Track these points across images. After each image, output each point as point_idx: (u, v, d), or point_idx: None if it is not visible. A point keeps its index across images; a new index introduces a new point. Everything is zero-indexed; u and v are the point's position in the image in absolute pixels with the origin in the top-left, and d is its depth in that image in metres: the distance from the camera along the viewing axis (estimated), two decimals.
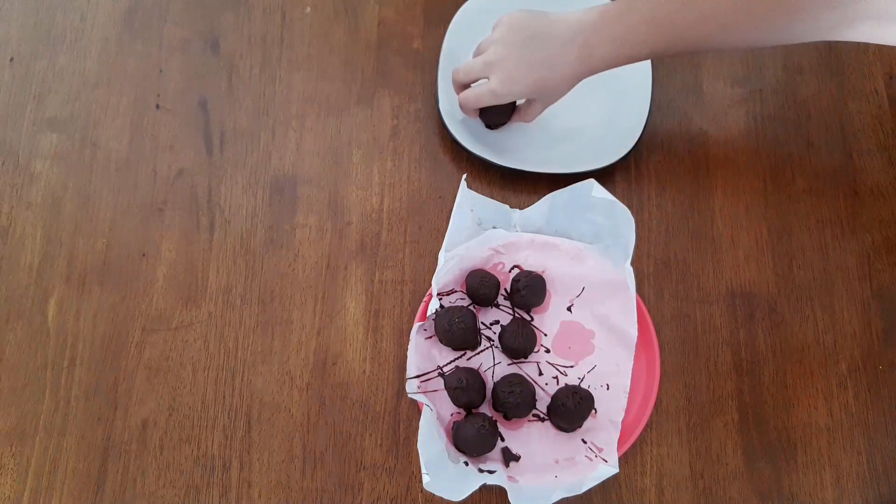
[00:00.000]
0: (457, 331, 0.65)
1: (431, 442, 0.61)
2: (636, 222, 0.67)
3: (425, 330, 0.67)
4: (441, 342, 0.67)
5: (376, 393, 0.69)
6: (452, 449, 0.63)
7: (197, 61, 0.81)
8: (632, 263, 0.67)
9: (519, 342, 0.66)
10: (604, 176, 0.74)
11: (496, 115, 0.75)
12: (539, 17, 0.67)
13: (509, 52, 0.66)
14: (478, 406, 0.66)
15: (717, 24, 0.62)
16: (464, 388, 0.64)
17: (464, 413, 0.66)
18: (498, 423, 0.65)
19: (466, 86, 0.73)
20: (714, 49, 0.66)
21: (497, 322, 0.69)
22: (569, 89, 0.70)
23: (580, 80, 0.67)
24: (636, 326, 0.67)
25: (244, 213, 0.75)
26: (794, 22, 0.60)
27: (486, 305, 0.70)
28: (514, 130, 0.78)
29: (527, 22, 0.67)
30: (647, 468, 0.68)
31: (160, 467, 0.67)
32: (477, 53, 0.71)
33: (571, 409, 0.64)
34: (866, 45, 0.83)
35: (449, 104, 0.77)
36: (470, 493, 0.59)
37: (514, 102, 0.74)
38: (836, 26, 0.58)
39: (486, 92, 0.68)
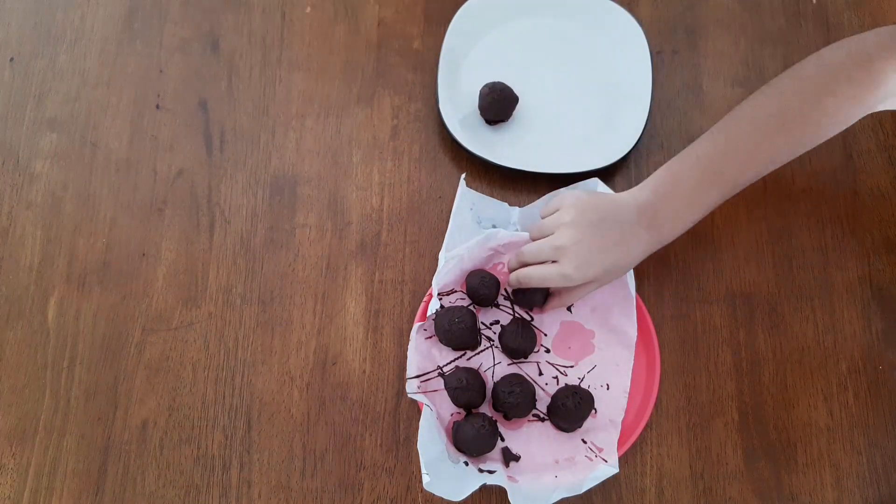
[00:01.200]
0: (457, 331, 0.65)
1: (431, 442, 0.61)
2: None
3: (425, 330, 0.67)
4: (441, 342, 0.67)
5: (376, 393, 0.69)
6: (452, 449, 0.63)
7: (197, 61, 0.81)
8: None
9: (519, 342, 0.66)
10: (604, 176, 0.74)
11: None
12: (602, 199, 0.66)
13: (582, 235, 0.63)
14: (478, 406, 0.66)
15: (764, 158, 0.65)
16: (464, 388, 0.64)
17: (464, 413, 0.66)
18: (498, 423, 0.65)
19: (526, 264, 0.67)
20: (768, 171, 0.68)
21: (497, 322, 0.69)
22: (632, 267, 0.67)
23: (648, 255, 0.66)
24: (636, 326, 0.68)
25: (244, 213, 0.75)
26: (829, 125, 0.65)
27: (486, 305, 0.70)
28: (514, 130, 0.78)
29: (593, 204, 0.64)
30: (647, 468, 0.68)
31: (160, 467, 0.67)
32: (537, 232, 0.66)
33: (571, 409, 0.64)
34: None
35: (449, 104, 0.77)
36: (470, 493, 0.59)
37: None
38: (866, 111, 0.64)
39: (558, 275, 0.63)
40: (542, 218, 0.67)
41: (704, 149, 0.65)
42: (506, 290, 0.70)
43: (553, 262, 0.63)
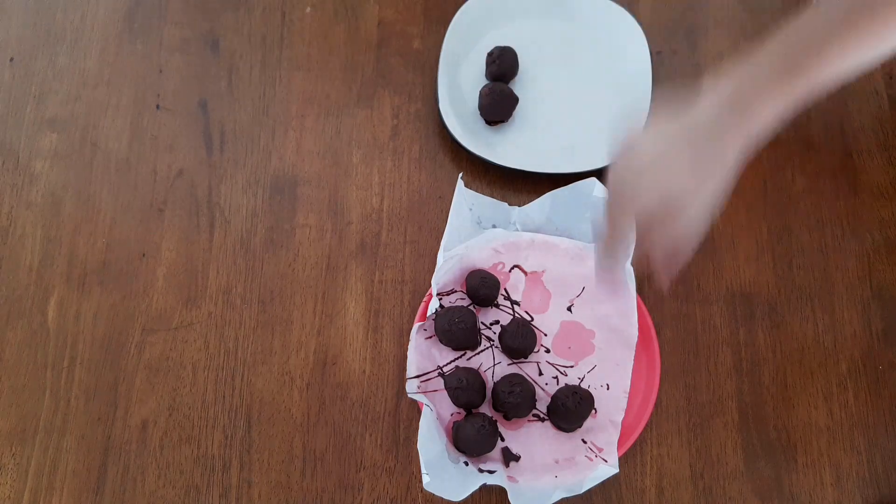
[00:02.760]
0: (457, 331, 0.65)
1: (431, 442, 0.61)
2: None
3: (425, 330, 0.67)
4: (441, 342, 0.67)
5: (376, 393, 0.69)
6: (452, 449, 0.63)
7: (197, 61, 0.81)
8: (632, 263, 0.67)
9: (519, 342, 0.66)
10: (604, 176, 0.74)
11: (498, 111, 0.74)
12: (680, 129, 0.54)
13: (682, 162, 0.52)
14: (478, 406, 0.66)
15: (839, 47, 0.52)
16: (464, 388, 0.64)
17: (464, 413, 0.66)
18: (498, 423, 0.65)
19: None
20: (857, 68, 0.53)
21: (497, 322, 0.69)
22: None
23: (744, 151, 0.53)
24: (636, 326, 0.67)
25: (244, 213, 0.75)
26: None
27: (486, 305, 0.70)
28: (514, 130, 0.78)
29: (679, 146, 0.53)
30: (647, 468, 0.68)
31: (160, 467, 0.67)
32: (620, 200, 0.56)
33: (571, 409, 0.64)
34: None
35: (449, 104, 0.77)
36: (470, 493, 0.59)
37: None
38: None
39: (686, 228, 0.53)
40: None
41: (789, 36, 0.53)
42: (506, 289, 0.70)
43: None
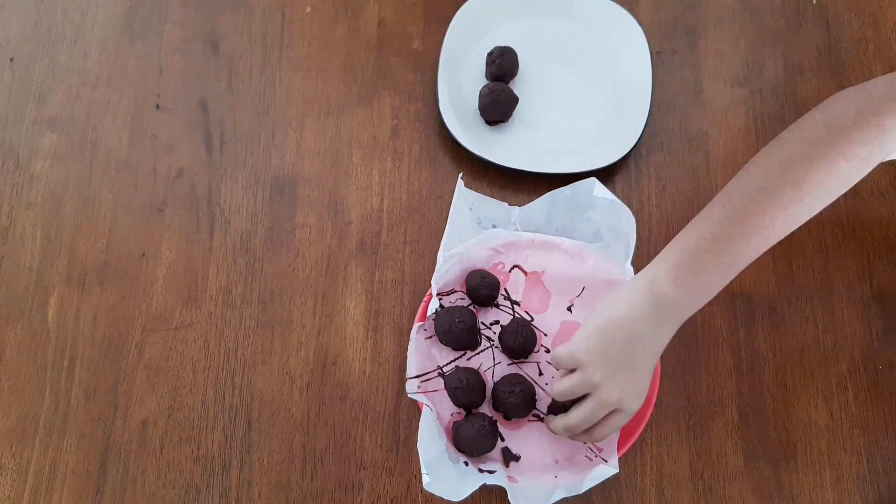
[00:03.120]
0: (457, 331, 0.65)
1: (431, 442, 0.61)
2: (636, 222, 0.67)
3: (425, 330, 0.67)
4: (441, 342, 0.67)
5: (376, 393, 0.69)
6: (452, 449, 0.63)
7: (197, 61, 0.81)
8: (632, 263, 0.67)
9: (519, 342, 0.66)
10: (604, 176, 0.74)
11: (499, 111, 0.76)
12: (613, 325, 0.59)
13: (622, 379, 0.58)
14: (478, 406, 0.66)
15: (779, 229, 0.58)
16: (464, 388, 0.64)
17: (464, 413, 0.66)
18: (498, 423, 0.65)
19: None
20: (782, 237, 0.60)
21: (497, 322, 0.69)
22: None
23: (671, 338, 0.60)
24: None
25: (244, 213, 0.75)
26: (840, 187, 0.58)
27: (486, 305, 0.70)
28: (514, 130, 0.78)
29: (609, 342, 0.59)
30: (647, 468, 0.68)
31: (160, 467, 0.67)
32: (567, 393, 0.60)
33: (570, 407, 0.63)
34: (866, 45, 0.83)
35: (449, 104, 0.77)
36: (470, 493, 0.59)
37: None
38: (874, 165, 0.58)
39: (624, 420, 0.59)
40: (557, 388, 0.60)
41: (716, 215, 0.59)
42: (506, 289, 0.70)
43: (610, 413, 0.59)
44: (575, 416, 0.60)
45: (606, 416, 0.60)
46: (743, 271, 0.74)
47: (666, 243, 0.75)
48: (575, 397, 0.60)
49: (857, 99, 0.58)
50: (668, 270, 0.59)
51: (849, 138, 0.56)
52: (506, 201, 0.72)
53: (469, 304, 0.69)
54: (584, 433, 0.61)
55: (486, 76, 0.80)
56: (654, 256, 0.69)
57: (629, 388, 0.59)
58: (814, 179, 0.57)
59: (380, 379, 0.70)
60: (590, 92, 0.80)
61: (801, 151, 0.58)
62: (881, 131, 0.56)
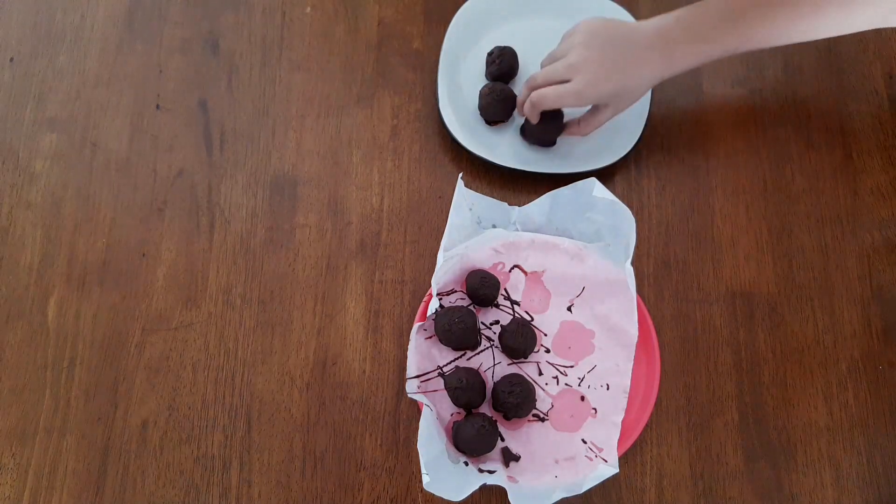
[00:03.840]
0: (457, 331, 0.65)
1: (431, 442, 0.61)
2: (636, 222, 0.67)
3: (425, 330, 0.67)
4: (441, 342, 0.67)
5: (376, 393, 0.69)
6: (452, 449, 0.63)
7: (197, 61, 0.81)
8: (632, 263, 0.67)
9: (519, 342, 0.66)
10: (604, 176, 0.74)
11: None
12: (616, 22, 0.69)
13: (592, 54, 0.66)
14: (478, 406, 0.66)
15: (784, 17, 0.65)
16: (464, 388, 0.64)
17: (464, 413, 0.66)
18: (498, 423, 0.65)
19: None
20: (783, 43, 0.68)
21: (497, 322, 0.69)
22: (645, 93, 0.71)
23: (658, 81, 0.68)
24: (636, 326, 0.67)
25: (244, 213, 0.75)
26: (857, 9, 0.63)
27: (486, 305, 0.70)
28: (514, 130, 0.78)
29: (605, 26, 0.68)
30: (647, 468, 0.68)
31: (160, 467, 0.67)
32: (550, 60, 0.70)
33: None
34: (866, 45, 0.83)
35: (449, 104, 0.77)
36: (470, 493, 0.59)
37: (563, 118, 0.74)
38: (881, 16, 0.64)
39: (571, 93, 0.67)
40: (557, 48, 0.70)
41: None
42: (505, 289, 0.70)
43: (566, 81, 0.66)
44: (540, 71, 0.69)
45: (592, 113, 0.69)
46: (743, 271, 0.74)
47: (666, 243, 0.75)
48: (555, 61, 0.69)
49: None
50: (674, 12, 0.67)
51: None
52: (506, 201, 0.72)
53: (469, 304, 0.69)
54: (574, 126, 0.71)
55: (486, 76, 0.80)
56: (655, 257, 0.69)
57: (593, 70, 0.66)
58: None
59: (380, 379, 0.70)
60: None
61: None
62: None
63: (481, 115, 0.78)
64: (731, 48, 0.67)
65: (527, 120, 0.76)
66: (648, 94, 0.78)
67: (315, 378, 0.70)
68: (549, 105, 0.69)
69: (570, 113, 0.75)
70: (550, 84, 0.68)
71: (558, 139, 0.77)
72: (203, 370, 0.70)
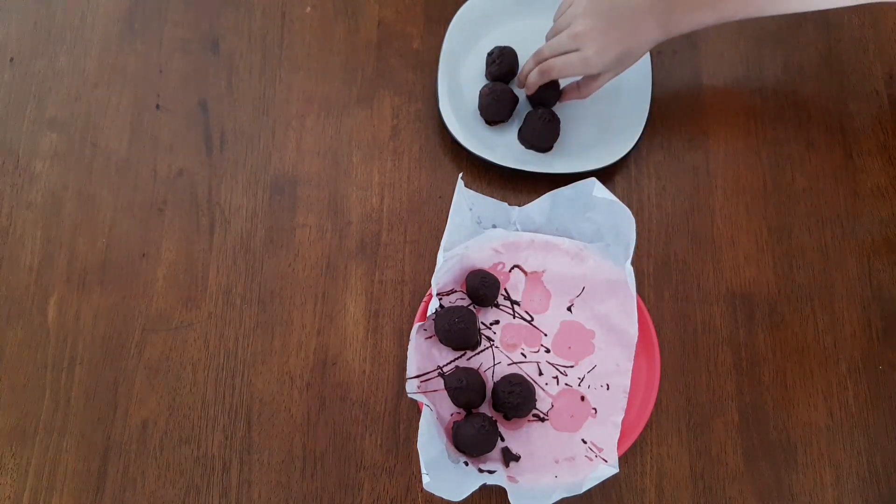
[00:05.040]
0: (457, 331, 0.65)
1: (431, 442, 0.61)
2: (636, 222, 0.67)
3: (425, 330, 0.67)
4: (441, 342, 0.67)
5: (376, 393, 0.69)
6: (452, 449, 0.63)
7: (197, 61, 0.81)
8: (632, 263, 0.67)
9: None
10: (604, 176, 0.74)
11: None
12: None
13: (596, 22, 0.68)
14: (478, 406, 0.66)
15: None
16: (464, 388, 0.64)
17: (464, 413, 0.66)
18: (498, 423, 0.65)
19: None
20: (779, 12, 0.70)
21: (497, 322, 0.69)
22: (641, 56, 0.72)
23: (656, 44, 0.70)
24: (636, 326, 0.67)
25: (244, 213, 0.75)
26: None
27: (486, 305, 0.70)
28: (514, 130, 0.78)
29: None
30: (647, 468, 0.68)
31: (160, 467, 0.67)
32: (553, 32, 0.72)
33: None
34: (866, 45, 0.83)
35: (449, 104, 0.77)
36: (470, 493, 0.59)
37: (559, 85, 0.76)
38: None
39: (579, 61, 0.69)
40: (556, 21, 0.72)
41: None
42: (505, 289, 0.70)
43: (573, 51, 0.68)
44: (545, 44, 0.71)
45: (592, 77, 0.71)
46: (743, 271, 0.74)
47: (666, 243, 0.75)
48: (558, 33, 0.70)
49: None
50: None
51: None
52: (506, 201, 0.72)
53: (469, 304, 0.69)
54: (572, 90, 0.74)
55: (486, 76, 0.80)
56: (655, 256, 0.69)
57: (599, 38, 0.67)
58: None
59: (380, 379, 0.70)
60: None
61: None
62: None
63: (481, 115, 0.78)
64: (728, 14, 0.69)
65: (524, 123, 0.76)
66: (648, 95, 0.78)
67: (315, 378, 0.70)
68: (557, 75, 0.71)
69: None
70: (557, 54, 0.70)
71: (555, 144, 0.77)
72: (203, 370, 0.70)
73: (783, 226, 0.76)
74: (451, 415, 0.66)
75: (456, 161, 0.78)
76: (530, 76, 0.73)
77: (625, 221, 0.67)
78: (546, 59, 0.71)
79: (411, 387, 0.64)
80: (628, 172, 0.78)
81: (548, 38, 0.73)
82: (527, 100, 0.78)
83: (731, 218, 0.76)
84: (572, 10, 0.70)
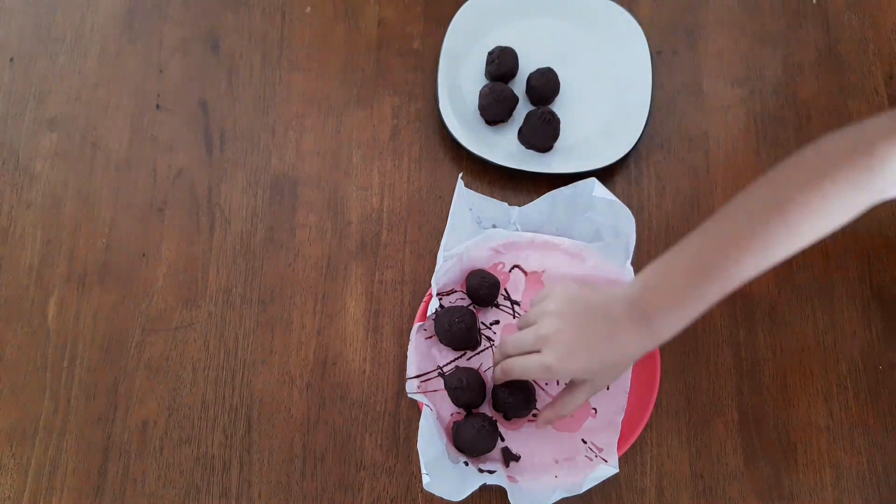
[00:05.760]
0: (457, 331, 0.65)
1: (431, 442, 0.61)
2: (636, 222, 0.67)
3: (425, 330, 0.67)
4: (441, 342, 0.67)
5: (376, 393, 0.69)
6: (452, 449, 0.63)
7: (197, 61, 0.81)
8: (632, 263, 0.67)
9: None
10: (604, 176, 0.74)
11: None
12: (593, 290, 0.61)
13: (565, 325, 0.58)
14: (478, 406, 0.66)
15: (759, 248, 0.57)
16: (464, 388, 0.64)
17: (464, 413, 0.66)
18: (498, 423, 0.65)
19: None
20: (770, 265, 0.59)
21: (497, 322, 0.69)
22: (629, 367, 0.65)
23: (644, 354, 0.59)
24: None
25: (244, 213, 0.75)
26: (830, 212, 0.57)
27: (486, 305, 0.70)
28: (514, 130, 0.78)
29: (581, 295, 0.60)
30: (647, 468, 0.68)
31: (160, 467, 0.67)
32: (523, 324, 0.62)
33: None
34: (866, 45, 0.83)
35: (449, 104, 0.77)
36: (470, 493, 0.59)
37: (533, 390, 0.67)
38: (871, 198, 0.58)
39: (538, 366, 0.58)
40: (530, 309, 0.62)
41: (697, 240, 0.59)
42: (506, 289, 0.70)
43: (536, 352, 0.58)
44: (510, 337, 0.61)
45: (569, 388, 0.61)
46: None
47: (666, 243, 0.75)
48: (528, 325, 0.60)
49: (848, 132, 0.58)
50: (641, 275, 0.59)
51: (835, 163, 0.56)
52: (506, 201, 0.72)
53: (469, 304, 0.69)
54: (550, 407, 0.62)
55: (486, 76, 0.80)
56: (655, 256, 0.69)
57: (565, 343, 0.58)
58: (798, 200, 0.56)
59: (380, 379, 0.70)
60: (589, 92, 0.80)
61: (787, 174, 0.58)
62: (870, 158, 0.56)
63: (481, 115, 0.78)
64: (717, 298, 0.58)
65: (524, 123, 0.76)
66: (648, 95, 0.78)
67: (315, 378, 0.70)
68: (517, 377, 0.61)
69: None
70: (520, 353, 0.60)
71: (555, 144, 0.77)
72: (203, 370, 0.70)
73: None
74: (451, 415, 0.66)
75: (456, 161, 0.78)
76: (494, 371, 0.64)
77: (625, 221, 0.67)
78: (509, 356, 0.61)
79: (411, 387, 0.64)
80: (628, 172, 0.77)
81: (518, 327, 0.63)
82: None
83: None
84: (544, 305, 0.60)
